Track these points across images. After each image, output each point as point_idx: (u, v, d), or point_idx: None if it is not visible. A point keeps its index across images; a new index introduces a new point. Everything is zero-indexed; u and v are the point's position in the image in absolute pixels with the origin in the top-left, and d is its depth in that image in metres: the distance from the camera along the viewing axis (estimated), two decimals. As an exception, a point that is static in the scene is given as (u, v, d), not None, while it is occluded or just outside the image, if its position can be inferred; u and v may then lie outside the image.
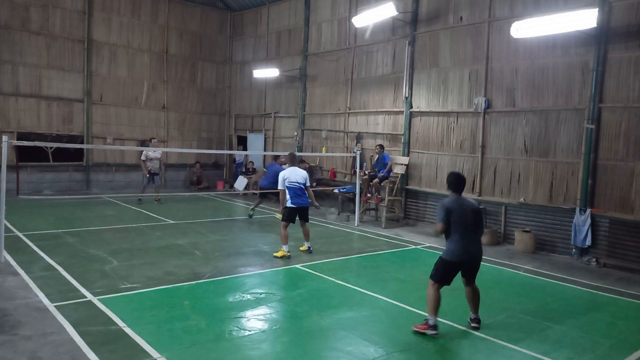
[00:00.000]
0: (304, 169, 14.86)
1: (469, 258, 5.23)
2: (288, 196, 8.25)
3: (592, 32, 8.81)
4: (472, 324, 5.36)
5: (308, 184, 8.44)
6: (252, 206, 12.42)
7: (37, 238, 8.77)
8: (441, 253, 5.37)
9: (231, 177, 18.63)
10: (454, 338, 5.07)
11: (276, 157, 12.66)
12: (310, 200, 8.51)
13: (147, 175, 13.59)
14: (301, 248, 8.62)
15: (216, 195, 16.47)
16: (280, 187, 8.32)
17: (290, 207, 8.28)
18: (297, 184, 8.25)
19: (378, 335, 5.11)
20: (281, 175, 8.31)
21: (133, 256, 7.86)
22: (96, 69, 16.03)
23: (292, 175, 8.28)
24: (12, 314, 5.16)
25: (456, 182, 5.39)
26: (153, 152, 13.42)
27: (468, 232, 5.20)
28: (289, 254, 8.14)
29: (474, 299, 5.40)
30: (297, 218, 8.44)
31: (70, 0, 15.35)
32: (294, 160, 8.64)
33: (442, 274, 5.21)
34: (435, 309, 5.13)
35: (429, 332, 5.05)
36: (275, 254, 8.20)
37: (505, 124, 10.48)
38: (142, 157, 13.53)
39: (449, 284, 5.26)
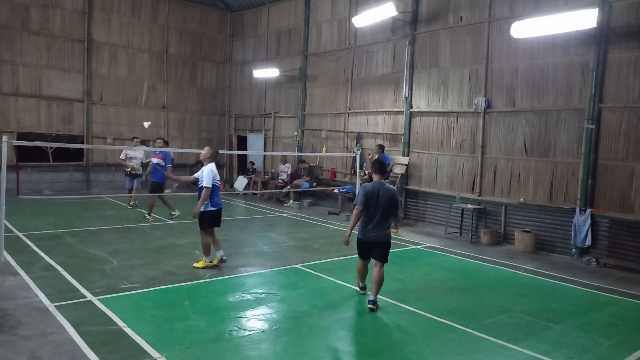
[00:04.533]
0: (304, 168, 15.07)
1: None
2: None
3: (592, 32, 8.81)
4: (369, 305, 5.83)
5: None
6: (148, 210, 11.11)
7: (37, 238, 8.76)
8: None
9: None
10: (454, 338, 5.07)
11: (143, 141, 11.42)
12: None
13: (128, 175, 12.49)
14: (215, 261, 7.35)
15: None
16: (207, 184, 6.98)
17: (210, 211, 7.16)
18: (219, 182, 7.34)
19: (378, 335, 5.11)
20: (209, 170, 7.04)
21: (133, 256, 7.86)
22: (96, 69, 16.04)
23: (217, 170, 7.26)
24: (12, 314, 5.16)
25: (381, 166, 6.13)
26: (133, 152, 12.31)
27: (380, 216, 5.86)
28: (212, 263, 7.26)
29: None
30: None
31: (70, 0, 15.36)
32: (216, 157, 7.44)
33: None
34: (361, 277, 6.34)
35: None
36: (195, 264, 7.31)
37: (505, 124, 10.48)
38: (122, 156, 12.33)
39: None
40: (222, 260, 7.40)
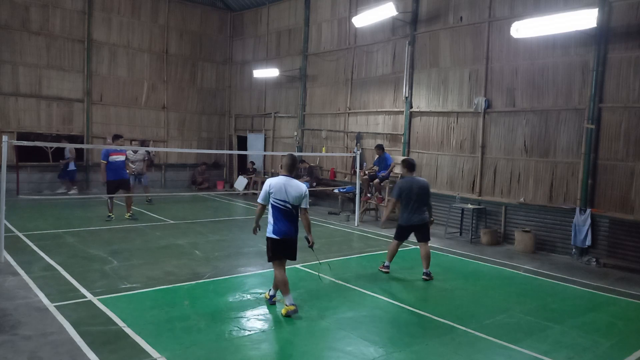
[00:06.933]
0: (304, 168, 15.05)
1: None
2: (270, 219, 5.57)
3: (592, 32, 8.81)
4: (423, 277, 7.19)
5: (306, 205, 5.61)
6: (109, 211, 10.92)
7: (37, 238, 8.76)
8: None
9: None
10: (454, 338, 5.07)
11: (116, 138, 11.21)
12: (306, 232, 5.74)
13: (133, 176, 12.87)
14: (283, 312, 5.48)
15: (216, 195, 16.48)
16: (260, 200, 5.63)
17: (272, 238, 5.57)
18: (285, 205, 5.48)
19: (378, 335, 5.12)
20: (266, 184, 5.58)
21: (133, 256, 7.86)
22: (96, 69, 16.03)
23: (283, 188, 5.47)
24: (12, 314, 5.16)
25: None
26: (133, 155, 12.72)
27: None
28: (293, 307, 5.45)
29: None
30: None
31: (70, 0, 15.36)
32: (293, 168, 5.69)
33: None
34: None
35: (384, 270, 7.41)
36: (282, 311, 5.53)
37: (505, 124, 10.48)
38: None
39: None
40: (270, 299, 5.90)
